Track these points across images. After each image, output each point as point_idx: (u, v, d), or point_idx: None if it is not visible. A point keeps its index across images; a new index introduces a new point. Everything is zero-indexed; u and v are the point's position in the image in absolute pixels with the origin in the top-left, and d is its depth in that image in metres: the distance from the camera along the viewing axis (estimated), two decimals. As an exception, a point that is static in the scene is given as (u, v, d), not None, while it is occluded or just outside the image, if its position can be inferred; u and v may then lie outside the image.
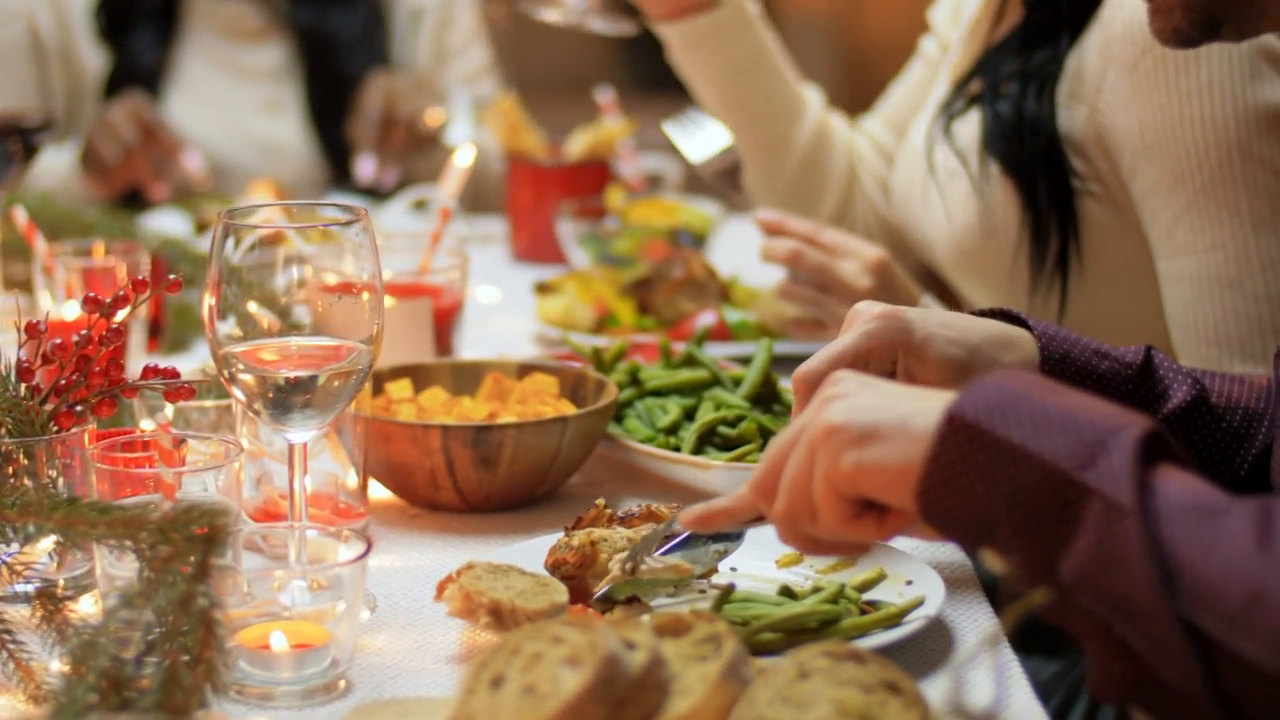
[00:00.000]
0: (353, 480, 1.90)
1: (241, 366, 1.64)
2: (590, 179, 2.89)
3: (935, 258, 2.35)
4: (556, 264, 2.87)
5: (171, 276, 1.77)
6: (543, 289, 2.52)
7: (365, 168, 3.14)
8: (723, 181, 2.43)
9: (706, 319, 2.40)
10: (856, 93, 8.31)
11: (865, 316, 1.70)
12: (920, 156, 2.40)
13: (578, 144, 2.92)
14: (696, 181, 3.12)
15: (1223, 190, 2.06)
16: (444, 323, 2.25)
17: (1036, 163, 2.19)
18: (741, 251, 2.83)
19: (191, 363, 2.31)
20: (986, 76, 2.28)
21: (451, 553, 1.85)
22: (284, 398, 1.64)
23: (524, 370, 2.07)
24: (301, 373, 1.64)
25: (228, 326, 1.65)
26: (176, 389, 1.74)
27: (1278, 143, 2.04)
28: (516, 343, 2.51)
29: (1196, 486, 1.27)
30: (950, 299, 2.44)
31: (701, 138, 2.43)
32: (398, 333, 2.17)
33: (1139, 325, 2.20)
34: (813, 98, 2.71)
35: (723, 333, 2.38)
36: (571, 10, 2.53)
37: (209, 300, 1.65)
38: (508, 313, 2.64)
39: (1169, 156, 2.08)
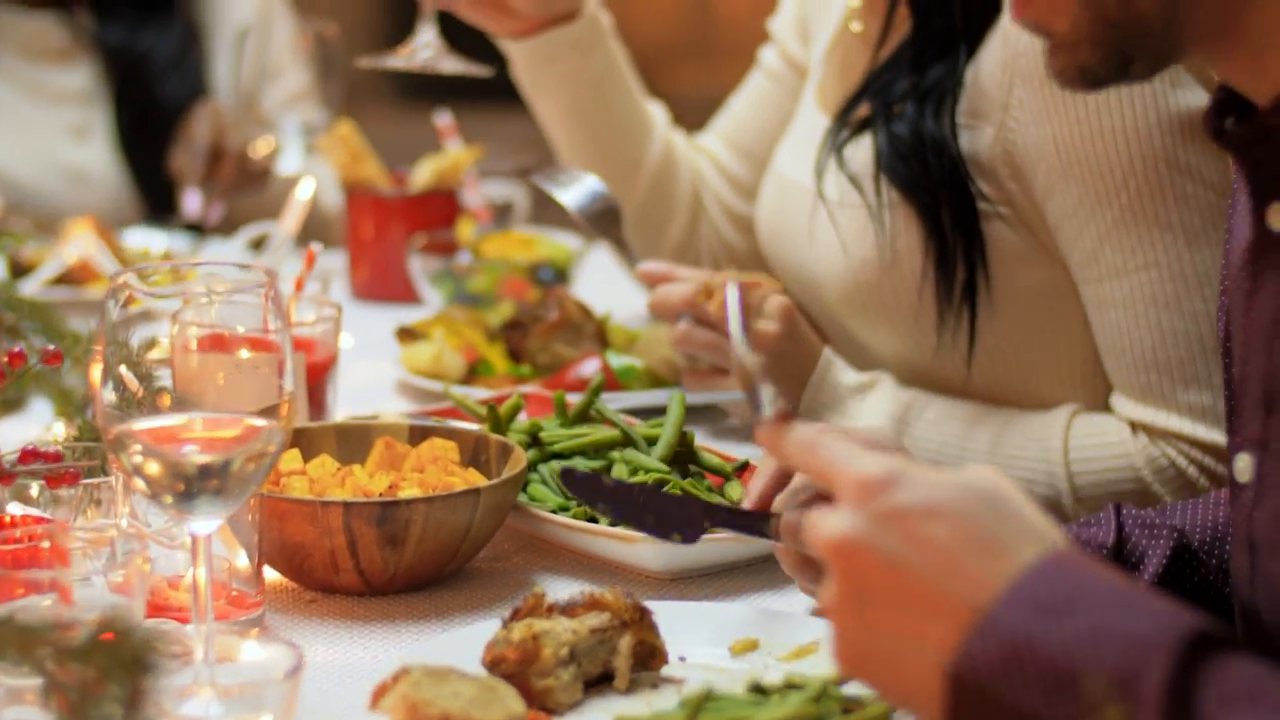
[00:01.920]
0: (243, 563, 1.71)
1: (140, 449, 1.45)
2: (438, 210, 2.71)
3: (823, 295, 2.22)
4: (401, 302, 2.68)
5: (51, 347, 1.58)
6: (406, 335, 2.34)
7: (191, 202, 2.92)
8: (603, 227, 2.27)
9: (590, 366, 2.24)
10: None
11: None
12: (795, 187, 2.27)
13: (423, 172, 2.74)
14: (546, 210, 2.96)
15: (1152, 205, 1.96)
16: (316, 380, 2.07)
17: (939, 186, 2.06)
18: (607, 286, 2.68)
19: (29, 425, 2.10)
20: (876, 98, 2.14)
21: (359, 642, 1.68)
22: (191, 485, 1.46)
23: (417, 433, 1.90)
24: (213, 457, 1.46)
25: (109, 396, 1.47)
26: (61, 474, 1.55)
27: (1204, 151, 1.95)
28: (380, 395, 2.33)
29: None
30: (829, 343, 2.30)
31: (575, 185, 2.28)
32: (267, 394, 1.97)
33: (1053, 358, 2.09)
34: (659, 114, 2.57)
35: (607, 377, 2.22)
36: (420, 54, 2.36)
37: (96, 370, 1.47)
38: (363, 360, 2.45)
39: (1090, 174, 1.97)
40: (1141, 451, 2.01)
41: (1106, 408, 2.08)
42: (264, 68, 2.89)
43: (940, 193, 2.06)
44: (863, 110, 2.16)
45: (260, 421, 1.47)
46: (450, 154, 2.74)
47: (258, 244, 2.64)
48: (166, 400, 1.50)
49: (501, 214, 2.82)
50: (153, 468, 1.45)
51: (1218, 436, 1.97)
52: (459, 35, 2.54)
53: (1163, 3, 1.35)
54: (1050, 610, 1.17)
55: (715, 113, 2.60)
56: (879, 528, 1.22)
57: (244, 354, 1.74)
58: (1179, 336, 1.97)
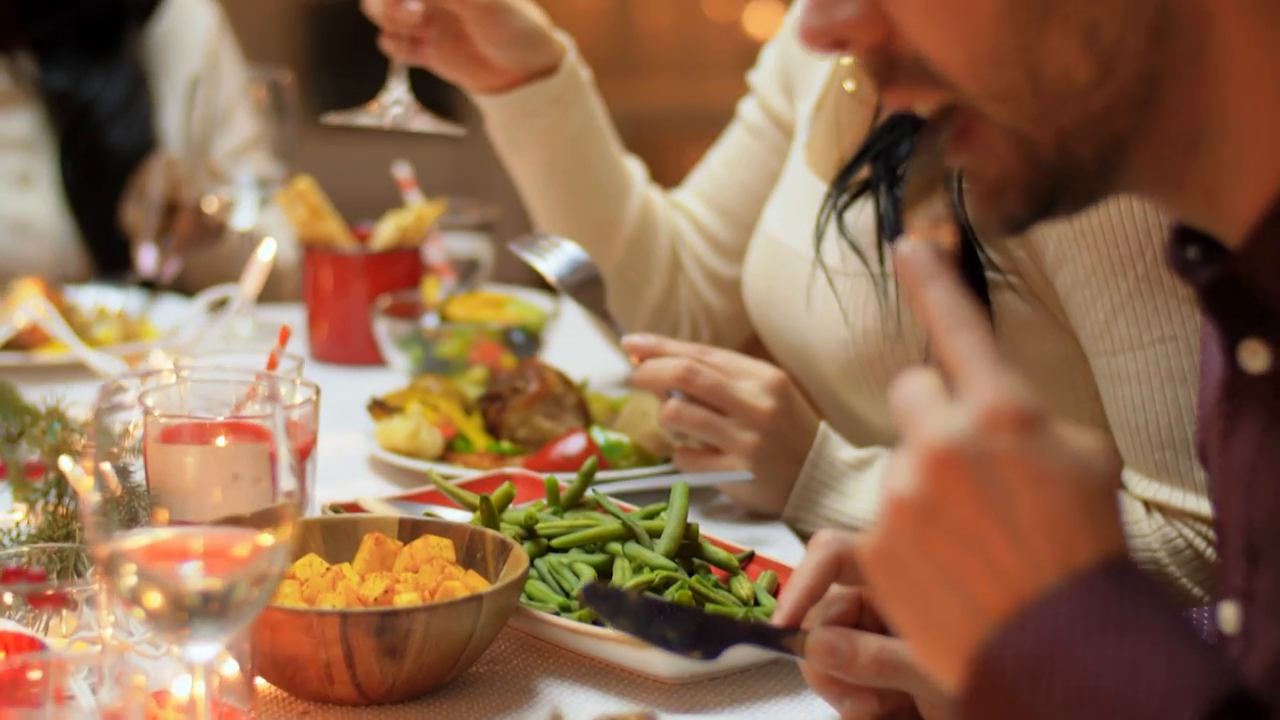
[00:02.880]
0: (231, 672, 1.61)
1: (136, 572, 1.35)
2: (402, 269, 2.61)
3: (820, 367, 2.13)
4: (363, 365, 2.58)
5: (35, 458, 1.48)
6: (380, 409, 2.24)
7: (146, 258, 2.80)
8: (585, 298, 2.17)
9: (575, 443, 2.15)
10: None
11: None
12: (790, 252, 2.18)
13: (385, 229, 2.64)
14: (512, 266, 2.87)
15: (1169, 275, 1.88)
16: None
17: None
18: (579, 344, 2.59)
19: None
20: (877, 160, 2.06)
21: (357, 761, 1.58)
22: (192, 611, 1.36)
23: (407, 528, 1.80)
24: (215, 582, 1.36)
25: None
26: (45, 596, 1.44)
27: None
28: (353, 473, 2.22)
29: None
30: (824, 416, 2.22)
31: (554, 253, 2.18)
32: (243, 485, 1.87)
33: None
34: (636, 171, 2.48)
35: (593, 454, 2.13)
36: (390, 111, 2.26)
37: (87, 480, 1.37)
38: (330, 432, 2.33)
39: (1104, 242, 1.90)
40: (1157, 531, 1.94)
41: None
42: (214, 116, 2.77)
43: None
44: (863, 173, 2.08)
45: (265, 539, 1.38)
46: (413, 209, 2.64)
47: (218, 307, 2.53)
48: (164, 516, 1.41)
49: (467, 272, 2.71)
50: (151, 595, 1.35)
51: None
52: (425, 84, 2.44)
53: (1101, 147, 1.22)
54: (1097, 624, 1.10)
55: (636, 130, 2.51)
56: (992, 465, 1.13)
57: (233, 448, 1.66)
58: (1196, 412, 1.90)
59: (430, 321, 2.51)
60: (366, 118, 2.26)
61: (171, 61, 3.14)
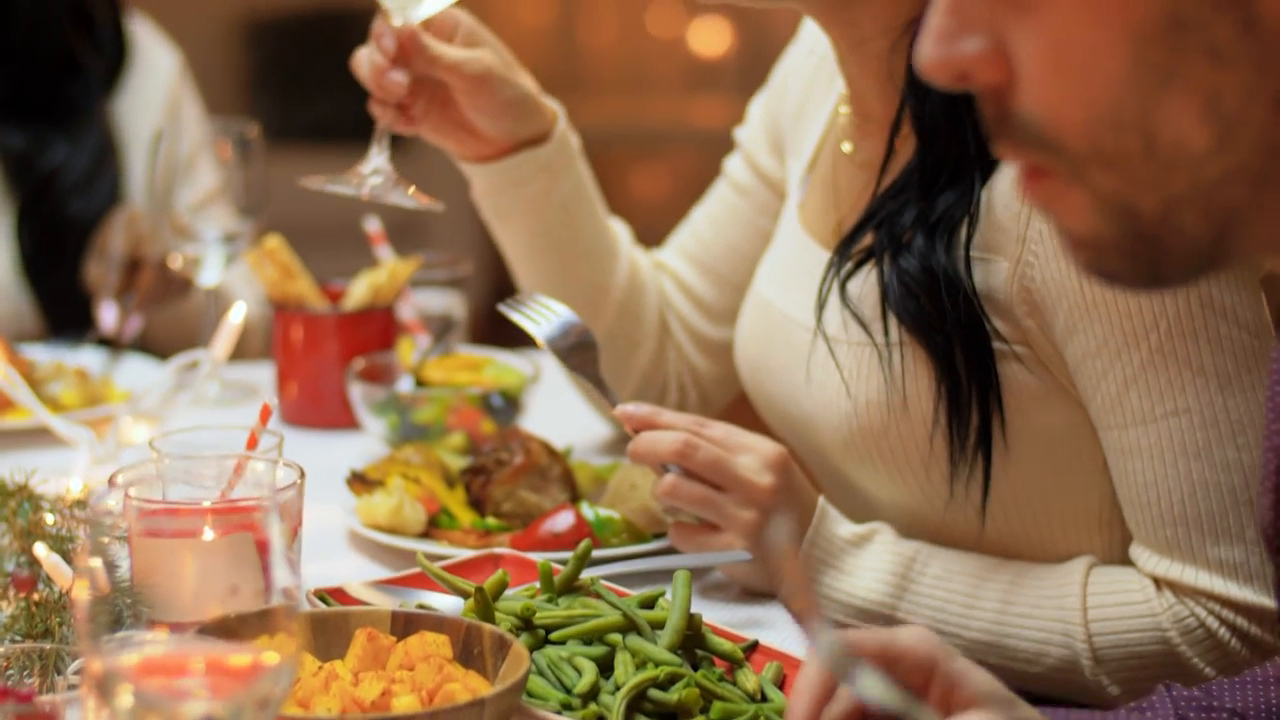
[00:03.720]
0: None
1: (133, 695, 1.29)
2: (375, 329, 2.53)
3: (820, 439, 2.07)
4: (336, 428, 2.50)
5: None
6: (360, 484, 2.16)
7: (107, 316, 2.71)
8: (577, 363, 2.09)
9: (564, 520, 2.08)
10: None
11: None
12: (786, 319, 2.12)
13: (358, 288, 2.56)
14: (485, 324, 2.80)
15: (1183, 347, 1.83)
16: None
17: (952, 326, 1.92)
18: (559, 411, 2.52)
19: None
20: (880, 228, 2.00)
21: None
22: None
23: (400, 622, 1.73)
24: (217, 707, 1.29)
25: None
26: (33, 715, 1.37)
27: (1239, 290, 1.83)
28: (334, 550, 2.14)
29: None
30: (822, 489, 2.15)
31: (545, 316, 2.10)
32: (221, 576, 1.79)
33: (1070, 504, 1.96)
34: (623, 234, 2.42)
35: (583, 531, 2.06)
36: (367, 183, 2.18)
37: (65, 569, 1.31)
38: (307, 504, 2.27)
39: (1117, 313, 1.84)
40: (1168, 610, 1.89)
41: (1124, 555, 1.96)
42: (176, 167, 2.69)
43: (954, 333, 1.92)
44: (865, 240, 2.02)
45: (269, 657, 1.31)
46: (387, 267, 2.57)
47: (186, 370, 2.45)
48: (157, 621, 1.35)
49: (441, 331, 2.64)
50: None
51: (1250, 595, 1.86)
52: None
53: (1211, 218, 1.15)
54: None
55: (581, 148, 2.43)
56: None
57: (223, 542, 1.60)
58: (1210, 488, 1.85)
59: (406, 385, 2.44)
60: (344, 186, 2.18)
61: (137, 115, 3.05)
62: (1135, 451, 1.88)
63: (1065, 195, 1.19)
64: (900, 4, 2.00)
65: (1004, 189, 1.90)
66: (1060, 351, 1.90)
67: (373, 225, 2.70)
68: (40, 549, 1.82)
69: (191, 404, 2.47)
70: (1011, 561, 1.97)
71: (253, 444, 1.96)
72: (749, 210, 2.37)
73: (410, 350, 2.49)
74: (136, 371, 2.66)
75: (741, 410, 2.35)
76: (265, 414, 1.97)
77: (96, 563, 1.33)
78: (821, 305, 2.04)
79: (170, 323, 2.86)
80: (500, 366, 2.48)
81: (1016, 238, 1.89)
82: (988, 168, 1.93)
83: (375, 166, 2.18)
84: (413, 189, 2.18)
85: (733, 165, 2.40)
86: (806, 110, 2.26)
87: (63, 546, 1.85)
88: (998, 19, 1.15)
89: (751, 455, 1.98)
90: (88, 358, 2.69)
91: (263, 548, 1.44)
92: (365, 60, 2.20)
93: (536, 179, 2.29)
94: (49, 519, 1.93)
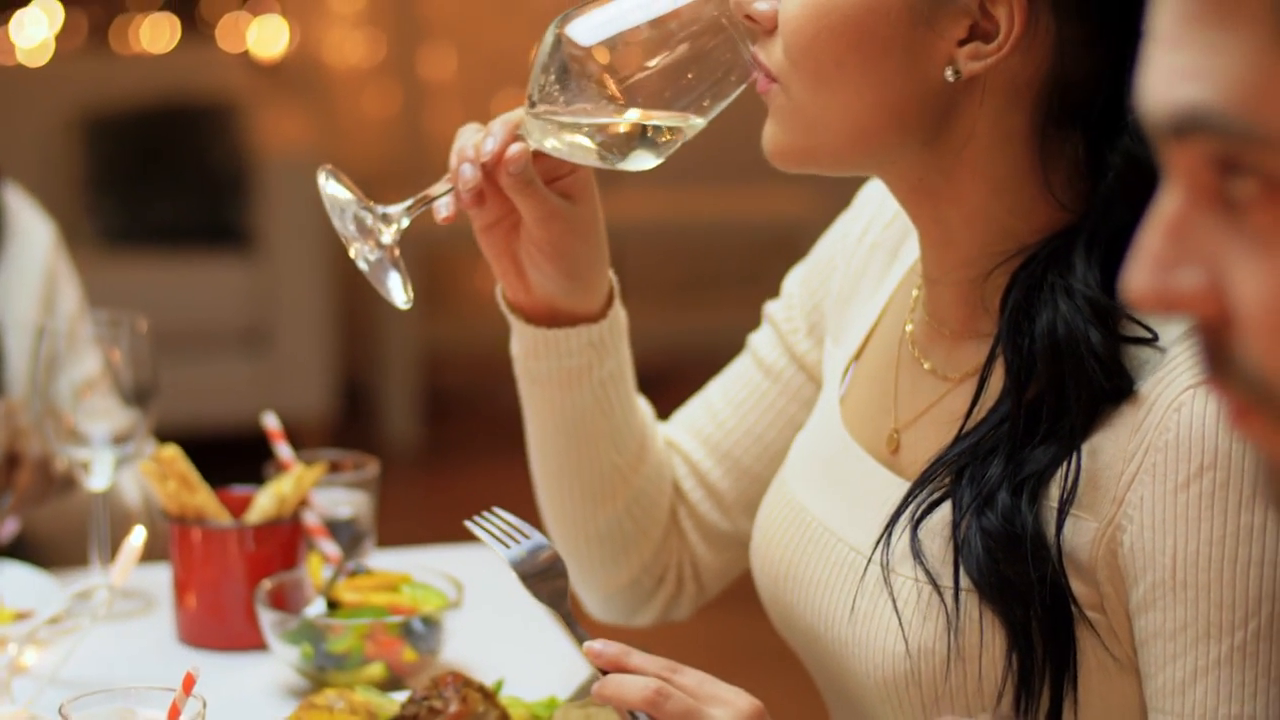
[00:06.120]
0: None
1: None
2: (281, 543, 2.36)
3: (853, 673, 1.88)
4: (240, 650, 2.34)
5: None
6: (283, 739, 2.01)
7: (-17, 517, 2.53)
8: (544, 593, 1.93)
9: (511, 781, 1.94)
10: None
11: None
12: (820, 527, 1.95)
13: (263, 499, 2.40)
14: (391, 527, 2.66)
15: (1267, 651, 1.68)
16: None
17: (1031, 589, 1.75)
18: (482, 635, 2.37)
19: None
20: (963, 474, 1.81)
21: None
22: None
23: None
24: None
25: None
26: None
27: None
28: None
29: None
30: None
31: (514, 537, 1.95)
32: None
33: None
34: (650, 416, 2.22)
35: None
36: (362, 255, 1.97)
37: None
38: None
39: (1209, 602, 1.68)
40: None
41: None
42: (56, 357, 2.51)
43: (1033, 597, 1.75)
44: (942, 477, 1.83)
45: None
46: (292, 476, 2.40)
47: (84, 596, 2.28)
48: None
49: (352, 544, 2.47)
50: None
51: None
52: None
53: None
54: None
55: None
56: None
57: None
58: None
59: (319, 609, 2.28)
60: (356, 244, 1.96)
61: (13, 293, 2.86)
62: None
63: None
64: (991, 223, 1.85)
65: (1109, 447, 1.74)
66: (1131, 620, 1.75)
67: (271, 422, 2.53)
68: None
69: (87, 620, 2.29)
70: None
71: (174, 715, 1.81)
72: (778, 396, 2.19)
73: (320, 566, 2.33)
74: (17, 581, 2.46)
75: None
76: (188, 683, 1.82)
77: None
78: (885, 537, 1.86)
79: (51, 521, 2.66)
80: (418, 586, 2.32)
81: (1113, 499, 1.73)
82: (1089, 422, 1.76)
83: (389, 240, 1.96)
84: (407, 281, 1.96)
85: (761, 344, 2.21)
86: (856, 299, 2.08)
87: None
88: (1223, 252, 1.03)
89: (726, 709, 1.82)
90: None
91: None
92: (468, 137, 1.99)
93: (583, 354, 2.08)
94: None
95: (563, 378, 2.11)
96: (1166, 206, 1.06)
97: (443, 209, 1.99)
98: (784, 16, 1.84)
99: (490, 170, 1.97)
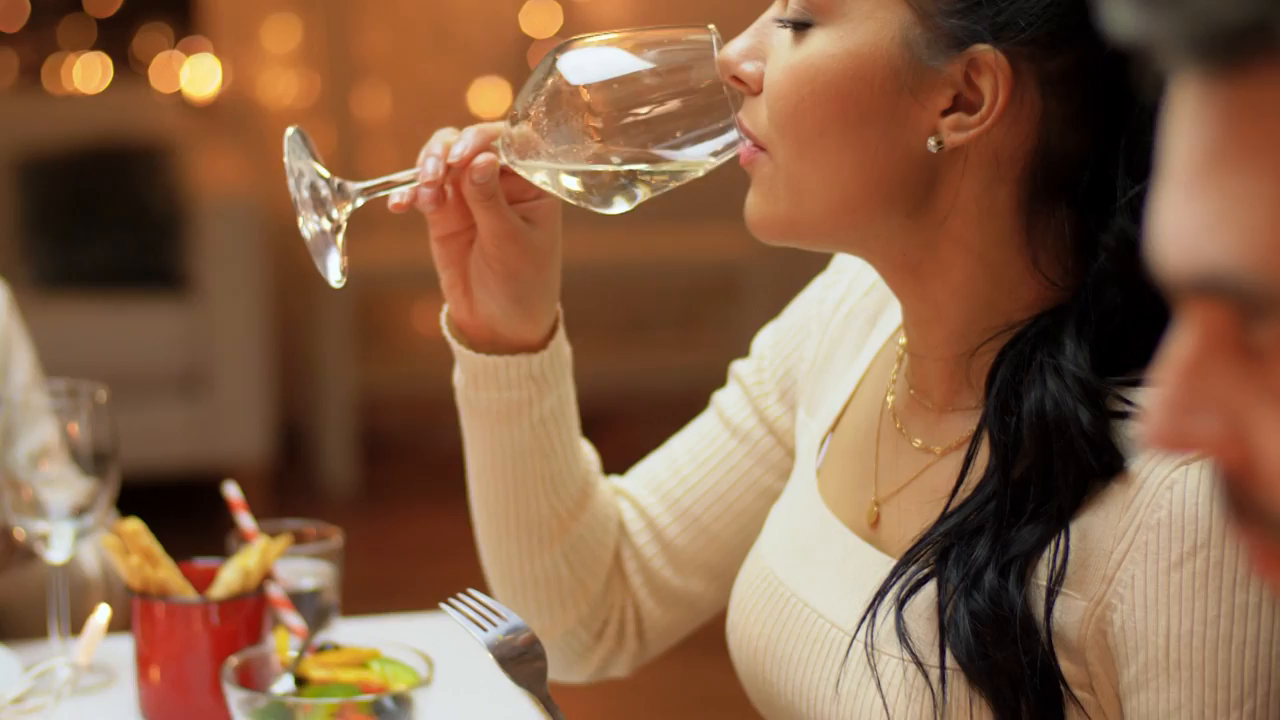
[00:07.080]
0: None
1: None
2: (246, 618, 2.33)
3: None
4: (205, 725, 2.30)
5: None
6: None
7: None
8: (521, 675, 1.90)
9: None
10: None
11: None
12: (799, 604, 1.91)
13: (228, 573, 2.36)
14: (355, 594, 2.62)
15: None
16: None
17: (1021, 671, 1.71)
18: (453, 708, 2.34)
19: None
20: (949, 554, 1.77)
21: None
22: None
23: None
24: None
25: None
26: None
27: None
28: None
29: None
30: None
31: (491, 620, 1.91)
32: None
33: None
34: (593, 460, 2.17)
35: None
36: (308, 226, 1.91)
37: None
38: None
39: (1203, 682, 1.65)
40: None
41: None
42: (12, 425, 2.46)
43: (1022, 679, 1.70)
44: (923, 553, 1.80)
45: None
46: (256, 548, 2.37)
47: (46, 676, 2.24)
48: None
49: (317, 618, 2.44)
50: None
51: None
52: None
53: None
54: None
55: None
56: None
57: None
58: None
59: (286, 685, 2.24)
60: (306, 213, 1.90)
61: None
62: None
63: None
64: (978, 299, 1.82)
65: (1099, 525, 1.71)
66: (1122, 700, 1.71)
67: (232, 491, 2.49)
68: None
69: (52, 699, 2.25)
70: None
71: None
72: (744, 457, 2.14)
73: (287, 641, 2.30)
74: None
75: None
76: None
77: None
78: (870, 617, 1.82)
79: (12, 592, 2.61)
80: (387, 661, 2.28)
81: (1103, 577, 1.70)
82: (1078, 501, 1.72)
83: (336, 217, 1.92)
84: (345, 263, 1.92)
85: (729, 403, 2.16)
86: (830, 368, 2.06)
87: None
88: (1243, 400, 0.98)
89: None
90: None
91: None
92: (442, 137, 1.95)
93: (522, 386, 2.04)
94: None
95: (502, 410, 2.05)
96: (1182, 349, 1.00)
97: (395, 197, 1.95)
98: (768, 81, 1.81)
99: (456, 174, 1.94)
